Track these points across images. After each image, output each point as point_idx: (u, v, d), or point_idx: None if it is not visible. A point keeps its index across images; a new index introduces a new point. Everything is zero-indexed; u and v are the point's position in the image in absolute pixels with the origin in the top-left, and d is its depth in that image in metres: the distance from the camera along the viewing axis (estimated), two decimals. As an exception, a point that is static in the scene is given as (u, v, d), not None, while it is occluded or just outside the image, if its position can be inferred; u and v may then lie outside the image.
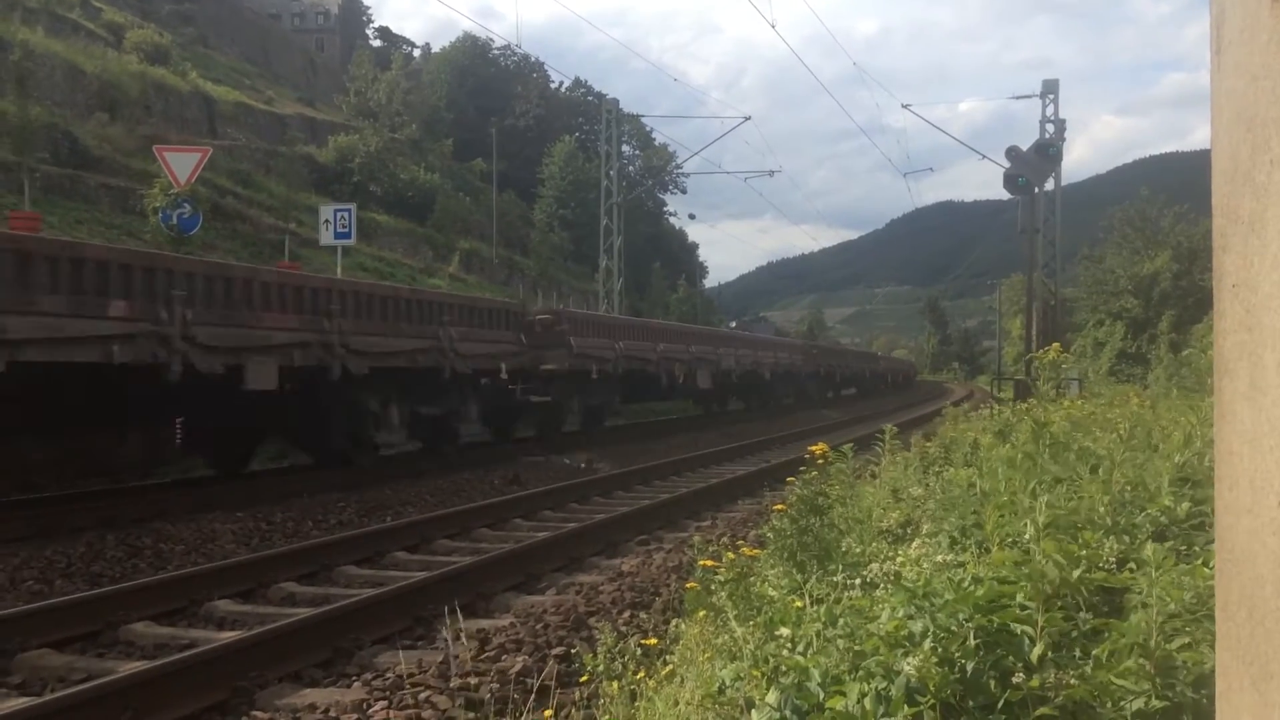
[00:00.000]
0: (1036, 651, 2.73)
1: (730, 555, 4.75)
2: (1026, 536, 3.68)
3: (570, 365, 22.35)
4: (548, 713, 4.57)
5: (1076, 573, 3.19)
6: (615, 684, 4.17)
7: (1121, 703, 2.60)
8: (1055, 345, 6.42)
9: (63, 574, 9.50)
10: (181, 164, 20.15)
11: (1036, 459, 4.24)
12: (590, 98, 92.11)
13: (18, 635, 6.98)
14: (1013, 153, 22.74)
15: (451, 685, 5.90)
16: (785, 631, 3.46)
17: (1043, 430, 4.80)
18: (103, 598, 8.00)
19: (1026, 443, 5.39)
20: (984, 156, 33.08)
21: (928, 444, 9.78)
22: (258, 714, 5.78)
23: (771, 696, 2.83)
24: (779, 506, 5.94)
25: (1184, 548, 3.78)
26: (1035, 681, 2.63)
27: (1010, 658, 2.75)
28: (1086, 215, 69.22)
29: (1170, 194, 45.10)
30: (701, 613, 4.64)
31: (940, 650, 2.69)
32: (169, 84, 45.32)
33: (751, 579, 4.70)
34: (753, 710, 2.88)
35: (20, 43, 30.24)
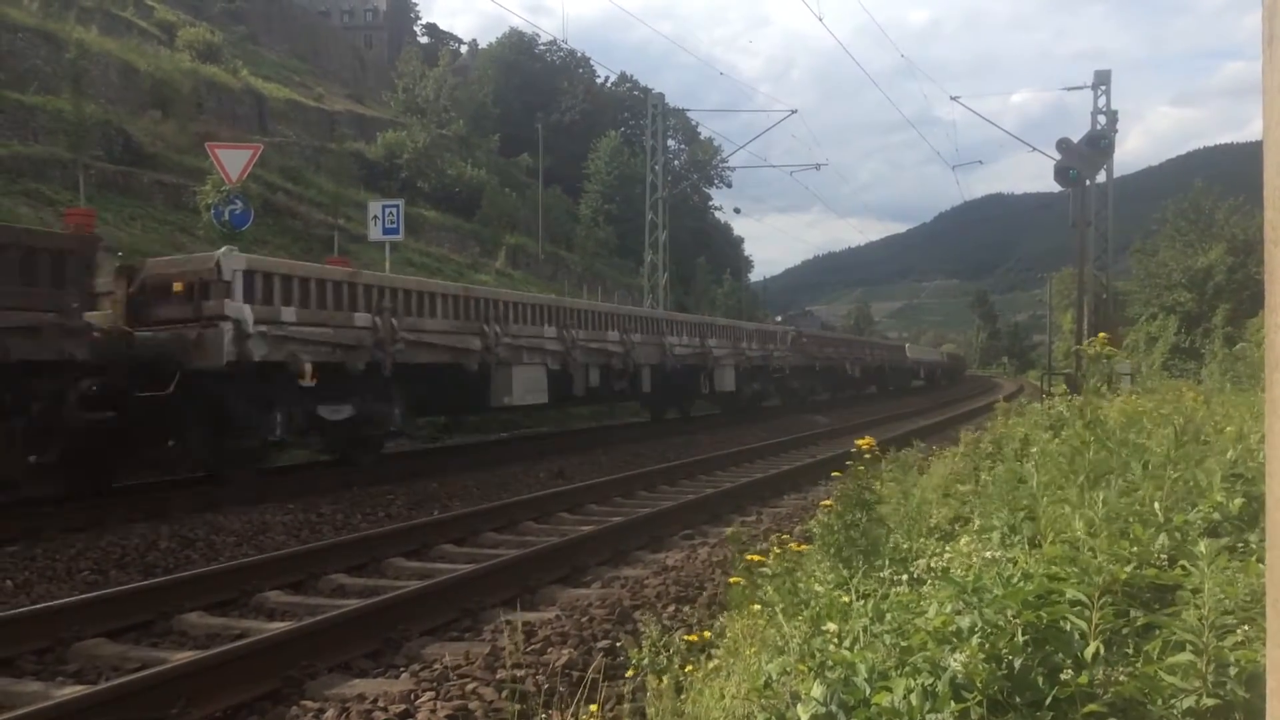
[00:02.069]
0: (1090, 650, 2.70)
1: (776, 550, 4.75)
2: (1079, 532, 3.64)
3: (809, 364, 38.82)
4: (594, 706, 4.59)
5: (1128, 569, 3.16)
6: (662, 677, 4.18)
7: (1172, 700, 2.58)
8: (1101, 336, 6.29)
9: (117, 564, 9.66)
10: (233, 161, 20.41)
11: (1088, 455, 4.19)
12: (636, 92, 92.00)
13: (74, 624, 7.11)
14: (1064, 145, 22.46)
15: (498, 677, 5.93)
16: (832, 626, 3.46)
17: (1094, 427, 4.75)
18: (156, 588, 8.12)
19: (1078, 439, 5.34)
20: (1034, 149, 32.74)
21: (978, 439, 9.71)
22: (307, 703, 5.84)
23: (818, 691, 2.83)
24: (826, 502, 5.92)
25: (1237, 544, 3.73)
26: (1084, 678, 2.60)
27: (1059, 654, 2.73)
28: (1139, 207, 68.25)
29: (1225, 186, 44.32)
30: (753, 606, 4.63)
31: (988, 646, 2.67)
32: (220, 81, 45.87)
33: (798, 574, 4.70)
34: (799, 704, 2.88)
35: (75, 42, 30.72)
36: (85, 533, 10.73)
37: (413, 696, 5.77)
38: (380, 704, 5.67)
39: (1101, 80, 35.21)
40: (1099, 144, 24.28)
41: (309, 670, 6.24)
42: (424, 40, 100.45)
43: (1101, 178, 33.48)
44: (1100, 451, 4.97)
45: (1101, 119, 34.58)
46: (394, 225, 24.93)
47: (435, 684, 5.93)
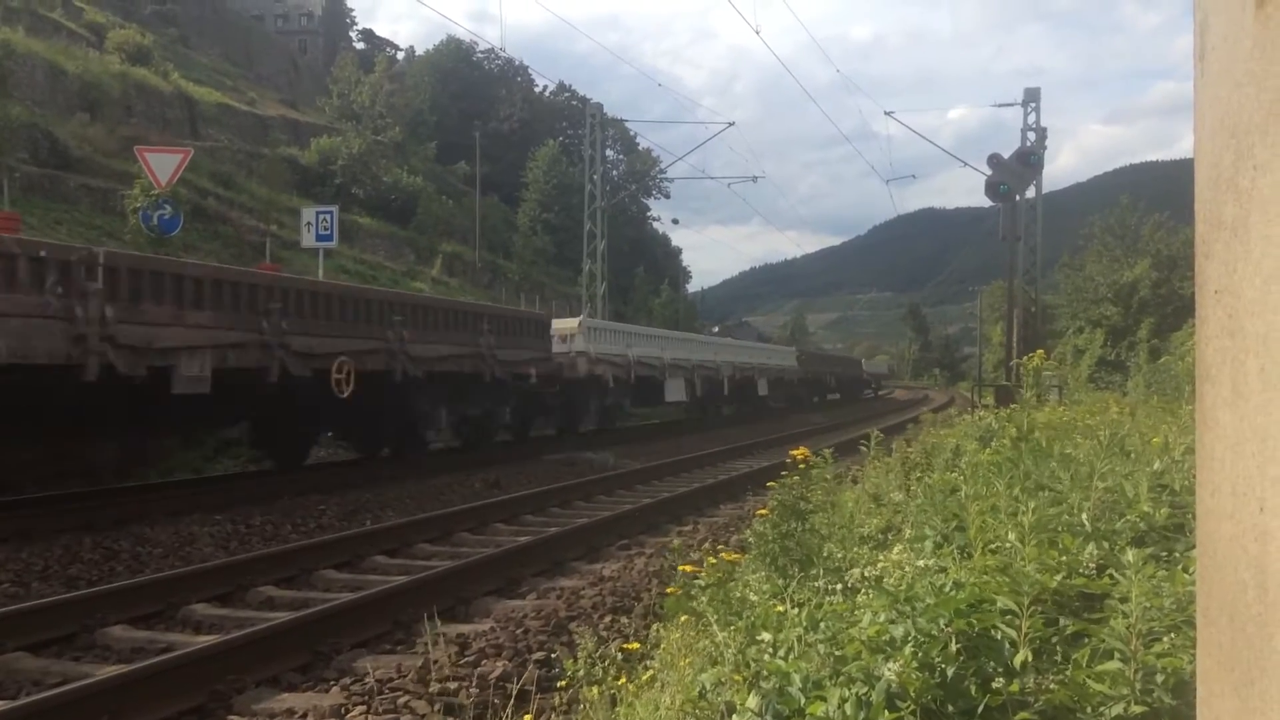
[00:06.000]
0: (1020, 657, 2.73)
1: (712, 560, 4.74)
2: (1009, 543, 3.68)
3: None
4: (527, 718, 4.55)
5: (1057, 578, 3.20)
6: (595, 689, 4.15)
7: (1101, 708, 2.61)
8: (1039, 352, 6.44)
9: (39, 576, 9.43)
10: (162, 165, 20.05)
11: (1020, 464, 4.24)
12: (575, 102, 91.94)
13: (-7, 638, 6.92)
14: (995, 160, 22.84)
15: (430, 690, 5.87)
16: (766, 636, 3.46)
17: (1027, 437, 4.81)
18: (80, 600, 7.93)
19: (1010, 449, 5.40)
20: (965, 164, 33.25)
21: (909, 449, 9.79)
22: (234, 718, 5.74)
23: (752, 701, 2.82)
24: (761, 511, 5.93)
25: (1163, 553, 3.80)
26: (1015, 686, 2.63)
27: (991, 663, 2.75)
28: (1069, 223, 69.55)
29: (1151, 202, 45.32)
30: (683, 617, 4.62)
31: (921, 655, 2.68)
32: (150, 84, 45.07)
33: (733, 584, 4.69)
34: (734, 715, 2.87)
35: (1, 42, 30.01)
36: (6, 544, 10.46)
37: (343, 710, 5.69)
38: (310, 718, 5.59)
39: (1031, 97, 35.91)
40: (1029, 160, 24.72)
41: (236, 685, 6.13)
42: (360, 46, 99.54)
43: (1031, 193, 34.10)
44: (1030, 461, 5.04)
45: (1031, 135, 35.24)
46: (328, 232, 24.63)
47: (366, 698, 5.86)
